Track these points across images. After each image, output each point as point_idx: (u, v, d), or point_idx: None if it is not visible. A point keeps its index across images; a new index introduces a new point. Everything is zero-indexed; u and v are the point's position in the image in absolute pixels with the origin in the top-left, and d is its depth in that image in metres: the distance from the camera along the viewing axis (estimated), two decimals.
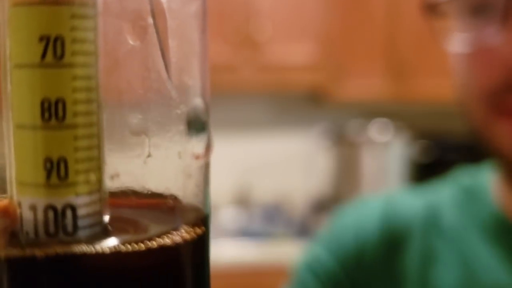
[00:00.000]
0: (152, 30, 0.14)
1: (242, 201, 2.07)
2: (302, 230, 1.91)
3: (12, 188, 0.14)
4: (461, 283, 0.51)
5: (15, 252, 0.13)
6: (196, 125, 0.15)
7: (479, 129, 0.48)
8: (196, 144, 0.15)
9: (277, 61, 1.86)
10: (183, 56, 0.15)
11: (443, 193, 0.57)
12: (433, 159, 1.99)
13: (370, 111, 2.03)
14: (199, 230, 0.15)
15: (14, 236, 0.14)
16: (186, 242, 0.14)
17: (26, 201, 0.14)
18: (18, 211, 0.14)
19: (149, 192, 0.16)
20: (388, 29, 1.90)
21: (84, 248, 0.13)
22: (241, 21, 1.83)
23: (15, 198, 0.14)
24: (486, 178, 0.55)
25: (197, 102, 0.15)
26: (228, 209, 2.02)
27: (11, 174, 0.14)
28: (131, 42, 0.14)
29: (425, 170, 1.97)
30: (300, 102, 2.10)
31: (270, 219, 1.97)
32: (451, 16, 0.48)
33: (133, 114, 0.15)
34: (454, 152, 1.93)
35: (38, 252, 0.13)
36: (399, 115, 2.02)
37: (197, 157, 0.15)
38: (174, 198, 0.15)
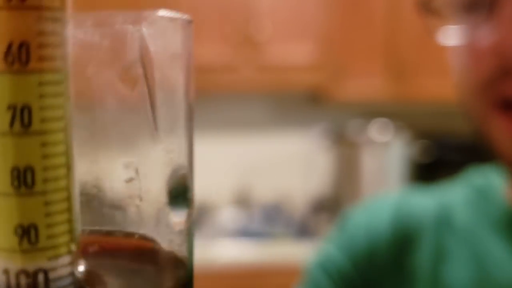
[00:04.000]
0: (142, 79, 0.15)
1: (242, 201, 2.07)
2: (302, 230, 1.91)
3: None
4: (474, 280, 0.51)
5: None
6: (178, 191, 0.15)
7: (479, 126, 0.49)
8: (178, 211, 0.15)
9: (277, 61, 1.86)
10: (171, 108, 0.15)
11: (455, 193, 0.57)
12: (433, 159, 1.99)
13: (370, 111, 2.03)
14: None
15: None
16: None
17: (0, 265, 0.14)
18: None
19: (131, 234, 0.16)
20: (388, 29, 1.90)
21: None
22: (241, 21, 1.83)
23: None
24: (497, 177, 0.55)
25: (181, 161, 0.15)
26: (228, 209, 2.02)
27: None
28: (122, 91, 0.15)
29: (425, 170, 1.97)
30: (300, 102, 2.10)
31: (270, 219, 1.97)
32: (444, 12, 0.49)
33: (124, 158, 0.15)
34: (454, 152, 1.93)
35: None
36: (399, 115, 2.02)
37: (176, 226, 0.15)
38: (157, 251, 0.16)
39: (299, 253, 1.62)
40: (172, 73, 0.15)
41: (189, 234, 0.16)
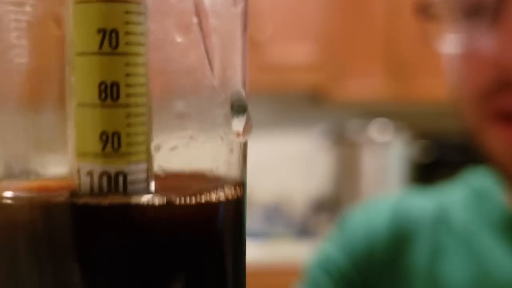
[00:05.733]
0: (196, 28, 0.17)
1: None
2: (302, 230, 1.91)
3: (72, 158, 0.16)
4: (471, 278, 0.51)
5: (81, 200, 0.16)
6: (238, 107, 0.17)
7: (473, 132, 0.49)
8: (238, 124, 0.18)
9: (277, 61, 1.86)
10: (226, 51, 0.17)
11: (453, 194, 0.58)
12: (433, 159, 1.99)
13: (370, 111, 2.03)
14: (239, 193, 0.18)
15: (73, 193, 0.16)
16: (228, 200, 0.17)
17: (84, 168, 0.16)
18: (76, 176, 0.16)
19: (192, 170, 0.18)
20: (388, 29, 1.90)
21: (141, 199, 0.16)
22: None
23: (74, 166, 0.16)
24: (495, 178, 0.55)
25: (239, 88, 0.18)
26: None
27: (71, 146, 0.16)
28: (177, 38, 0.17)
29: (425, 170, 1.97)
30: (300, 102, 2.10)
31: (270, 219, 1.97)
32: (443, 18, 0.48)
33: (180, 101, 0.17)
34: (454, 152, 1.93)
35: (103, 201, 0.16)
36: (399, 115, 2.03)
37: (238, 135, 0.18)
38: (216, 168, 0.18)
39: (299, 253, 1.62)
40: (230, 17, 0.17)
41: (245, 147, 0.18)
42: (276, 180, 2.10)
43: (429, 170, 1.97)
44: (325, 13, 1.87)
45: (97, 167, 0.16)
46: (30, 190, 0.17)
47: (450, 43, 0.48)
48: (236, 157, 0.18)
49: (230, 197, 0.17)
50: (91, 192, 0.16)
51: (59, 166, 0.17)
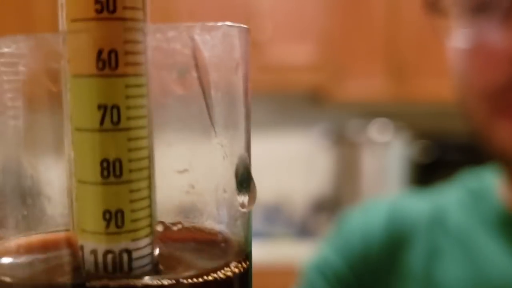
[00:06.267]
0: (196, 82, 0.16)
1: None
2: (302, 230, 1.91)
3: (75, 231, 0.16)
4: (467, 279, 0.52)
5: (90, 282, 0.15)
6: (243, 178, 0.17)
7: (479, 129, 0.48)
8: (243, 195, 0.17)
9: (277, 61, 1.86)
10: (229, 109, 0.17)
11: (449, 196, 0.58)
12: (433, 159, 1.99)
13: (370, 111, 2.03)
14: (245, 265, 0.17)
15: (78, 272, 0.16)
16: (236, 275, 0.16)
17: (87, 246, 0.16)
18: (80, 253, 0.16)
19: (199, 228, 0.18)
20: (388, 29, 1.90)
21: (145, 280, 0.15)
22: (241, 21, 1.82)
23: (78, 242, 0.16)
24: (491, 179, 0.55)
25: (243, 154, 0.17)
26: None
27: (73, 221, 0.16)
28: (178, 92, 0.16)
29: (425, 170, 1.97)
30: (301, 102, 2.10)
31: (270, 219, 1.97)
32: (452, 13, 0.47)
33: (182, 161, 0.17)
34: (454, 152, 1.93)
35: (111, 283, 0.15)
36: (399, 115, 2.03)
37: (243, 206, 0.17)
38: (223, 232, 0.18)
39: (299, 253, 1.62)
40: (232, 76, 0.17)
41: (249, 215, 0.18)
42: (276, 180, 2.10)
43: (429, 170, 1.97)
44: (325, 13, 1.87)
45: (101, 245, 0.15)
46: (29, 252, 0.16)
47: (458, 38, 0.47)
48: (240, 225, 0.17)
49: (237, 270, 0.17)
50: (96, 271, 0.16)
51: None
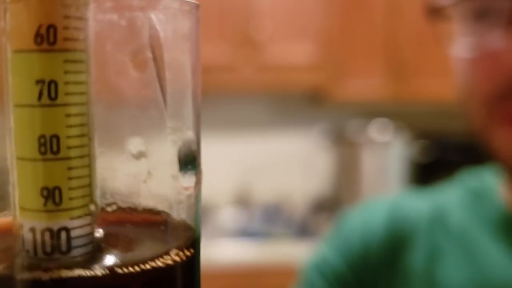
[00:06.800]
0: (151, 62, 0.16)
1: (242, 201, 2.07)
2: (302, 230, 1.91)
3: (15, 211, 0.16)
4: (468, 279, 0.51)
5: (23, 275, 0.15)
6: (187, 159, 0.17)
7: (479, 133, 0.48)
8: (187, 178, 0.17)
9: (277, 61, 1.86)
10: (178, 88, 0.17)
11: (450, 195, 0.58)
12: (433, 159, 1.99)
13: (370, 111, 2.03)
14: (188, 253, 0.17)
15: (16, 254, 0.16)
16: (177, 264, 0.16)
17: (27, 224, 0.15)
18: (20, 232, 0.16)
19: (143, 208, 0.17)
20: (388, 29, 1.90)
21: (82, 271, 0.15)
22: (241, 21, 1.83)
23: (17, 220, 0.16)
24: (492, 178, 0.55)
25: (189, 135, 0.17)
26: (228, 209, 2.02)
27: (14, 199, 0.16)
28: (133, 73, 0.16)
29: (425, 170, 1.97)
30: (300, 102, 2.10)
31: (270, 219, 1.97)
32: (454, 19, 0.47)
33: (133, 138, 0.16)
34: (454, 152, 1.93)
35: (44, 276, 0.15)
36: (399, 115, 2.03)
37: (186, 189, 0.17)
38: (167, 214, 0.17)
39: (299, 253, 1.62)
40: (181, 55, 0.17)
41: (197, 199, 0.17)
42: (276, 180, 2.10)
43: (429, 170, 1.96)
44: (325, 12, 1.87)
45: (39, 223, 0.15)
46: None
47: (461, 46, 0.47)
48: (186, 206, 0.17)
49: (178, 259, 0.16)
50: (34, 251, 0.15)
51: None
